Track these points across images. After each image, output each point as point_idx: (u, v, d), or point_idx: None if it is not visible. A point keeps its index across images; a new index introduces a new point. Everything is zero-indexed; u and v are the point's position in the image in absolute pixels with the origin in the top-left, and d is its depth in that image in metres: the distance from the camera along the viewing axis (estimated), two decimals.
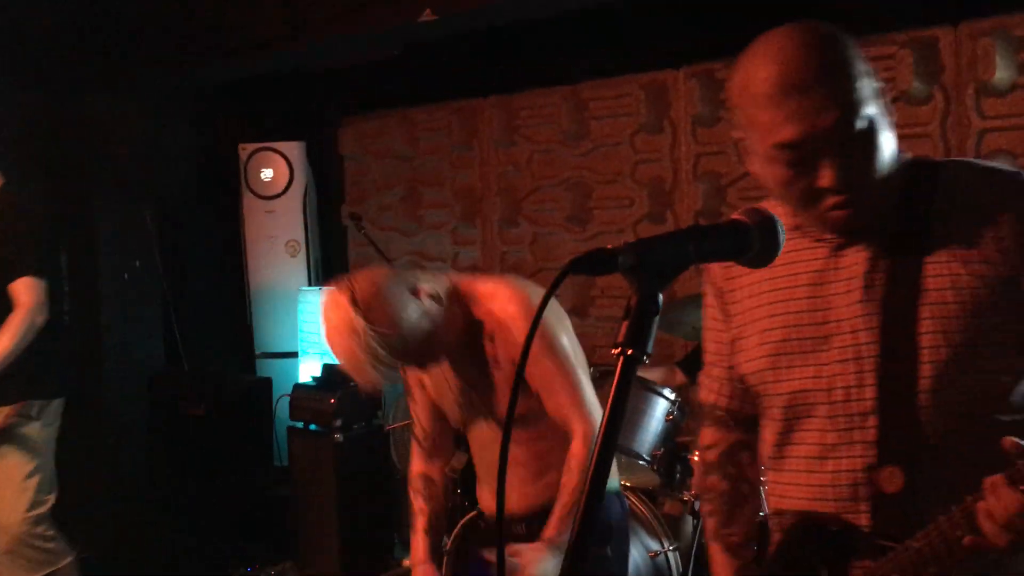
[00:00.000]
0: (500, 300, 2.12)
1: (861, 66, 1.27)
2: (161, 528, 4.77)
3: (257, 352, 5.39)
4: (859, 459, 1.32)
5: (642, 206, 4.34)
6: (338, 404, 4.26)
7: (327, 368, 4.57)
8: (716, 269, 1.52)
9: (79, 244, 5.04)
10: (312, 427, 4.38)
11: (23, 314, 3.21)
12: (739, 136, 1.37)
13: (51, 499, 3.55)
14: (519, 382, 1.01)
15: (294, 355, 5.13)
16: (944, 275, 1.28)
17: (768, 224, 1.10)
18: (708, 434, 1.64)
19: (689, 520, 3.29)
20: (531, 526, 2.18)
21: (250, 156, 5.36)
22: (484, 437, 2.27)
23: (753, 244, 1.09)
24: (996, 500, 1.12)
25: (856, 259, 1.34)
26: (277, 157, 5.35)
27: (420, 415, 2.39)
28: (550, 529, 2.03)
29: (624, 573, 2.38)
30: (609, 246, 1.00)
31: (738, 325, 1.48)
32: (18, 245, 3.28)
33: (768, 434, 1.47)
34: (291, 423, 4.48)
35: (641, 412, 3.31)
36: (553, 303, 2.18)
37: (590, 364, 3.61)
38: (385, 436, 4.50)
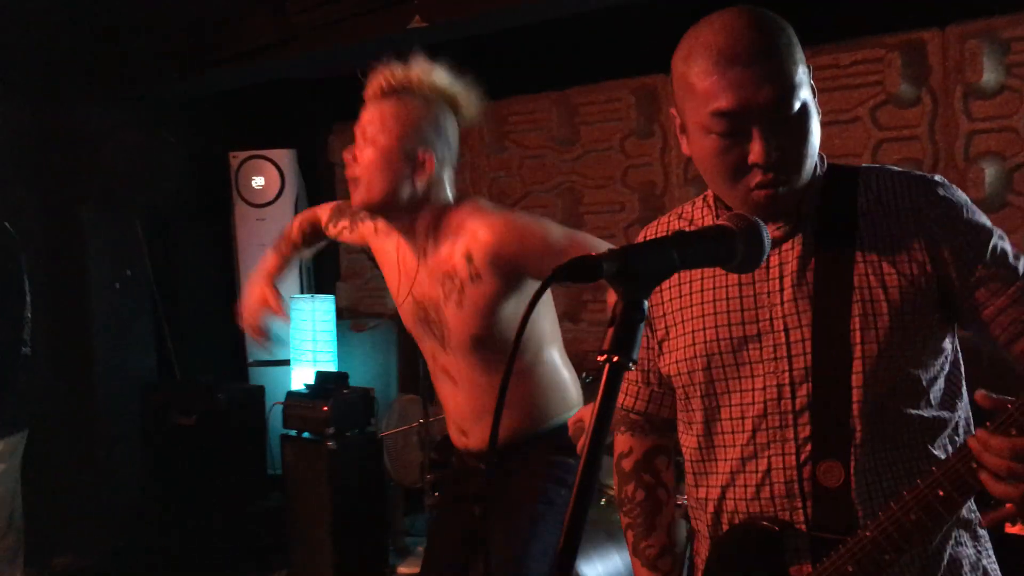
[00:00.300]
0: (496, 222, 2.11)
1: (800, 54, 1.31)
2: (155, 538, 4.75)
3: (249, 360, 5.37)
4: (792, 456, 1.34)
5: (633, 210, 4.35)
6: (331, 412, 4.25)
7: (320, 376, 4.56)
8: None
9: (69, 254, 5.03)
10: (305, 435, 4.37)
11: None
12: (673, 113, 1.40)
13: (9, 542, 3.28)
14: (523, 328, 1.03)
15: (286, 363, 5.12)
16: (874, 274, 1.31)
17: (753, 230, 1.10)
18: (623, 441, 1.64)
19: (683, 524, 3.29)
20: (507, 458, 2.21)
21: (241, 164, 5.36)
22: (446, 360, 2.26)
23: (738, 250, 1.10)
24: (994, 445, 1.14)
25: (785, 258, 1.36)
26: (268, 165, 5.34)
27: (348, 231, 2.47)
28: None
29: None
30: (593, 253, 1.01)
31: (663, 327, 1.49)
32: None
33: (692, 436, 1.47)
34: (284, 431, 4.47)
35: None
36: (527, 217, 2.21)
37: (580, 370, 3.62)
38: (378, 443, 4.50)
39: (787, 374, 1.33)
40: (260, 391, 4.98)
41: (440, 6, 3.75)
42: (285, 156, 5.35)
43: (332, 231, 2.54)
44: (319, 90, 5.31)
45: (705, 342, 1.40)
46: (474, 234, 2.09)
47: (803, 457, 1.33)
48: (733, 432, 1.40)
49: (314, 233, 2.60)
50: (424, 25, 3.74)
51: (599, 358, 0.99)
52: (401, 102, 2.07)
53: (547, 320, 2.33)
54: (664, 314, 1.48)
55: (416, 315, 2.28)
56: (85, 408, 5.01)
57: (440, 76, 2.13)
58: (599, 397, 0.98)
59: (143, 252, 5.30)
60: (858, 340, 1.29)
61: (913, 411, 1.32)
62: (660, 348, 1.50)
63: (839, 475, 1.29)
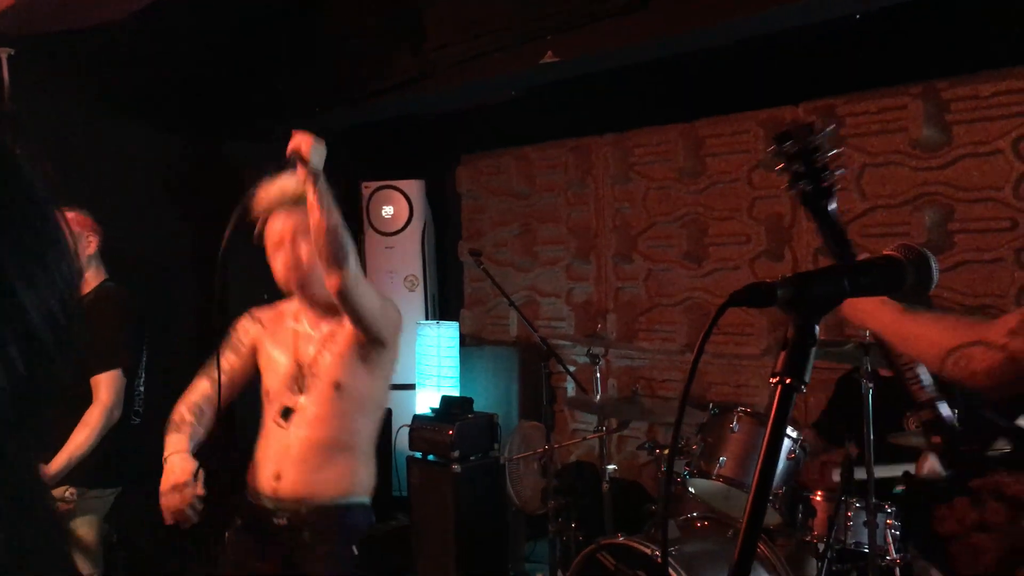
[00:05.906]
0: None
1: None
2: None
3: None
4: None
5: (760, 243, 4.33)
6: (456, 435, 4.35)
7: (445, 400, 4.68)
8: None
9: (215, 281, 5.30)
10: (431, 457, 4.48)
11: (100, 410, 3.16)
12: None
13: None
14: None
15: (412, 387, 5.27)
16: None
17: (921, 260, 1.13)
18: None
19: (812, 562, 3.24)
20: (295, 517, 2.59)
21: (372, 194, 5.57)
22: (301, 410, 2.61)
23: (907, 279, 1.12)
24: None
25: None
26: (397, 195, 5.53)
27: (232, 373, 2.74)
28: None
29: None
30: (768, 280, 1.05)
31: None
32: (108, 338, 3.24)
33: None
34: (410, 453, 4.59)
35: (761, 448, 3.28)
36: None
37: (706, 400, 3.62)
38: (501, 468, 4.57)
39: None
40: (387, 413, 5.12)
41: (571, 42, 3.83)
42: (414, 186, 5.53)
43: (223, 397, 2.67)
44: (447, 123, 5.48)
45: None
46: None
47: None
48: None
49: (205, 410, 2.70)
50: (556, 60, 3.84)
51: (771, 380, 1.03)
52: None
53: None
54: None
55: (293, 375, 2.72)
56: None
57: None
58: (771, 418, 1.02)
59: None
60: None
61: None
62: None
63: None
